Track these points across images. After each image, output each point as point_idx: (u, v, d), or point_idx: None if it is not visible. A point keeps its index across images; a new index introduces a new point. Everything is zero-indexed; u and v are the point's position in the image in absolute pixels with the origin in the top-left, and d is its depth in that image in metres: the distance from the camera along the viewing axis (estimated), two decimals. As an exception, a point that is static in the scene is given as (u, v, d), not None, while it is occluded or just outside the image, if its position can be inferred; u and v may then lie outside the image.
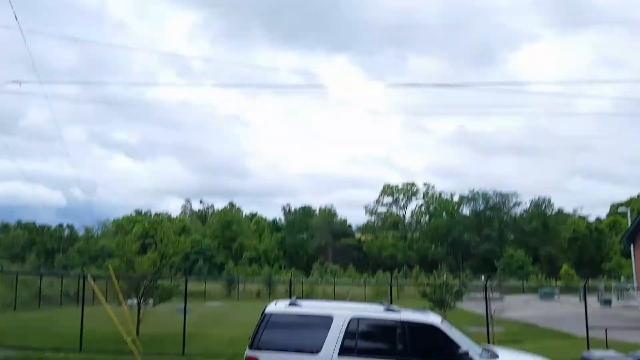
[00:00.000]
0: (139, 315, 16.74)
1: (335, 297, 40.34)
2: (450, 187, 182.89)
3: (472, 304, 28.29)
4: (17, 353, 14.17)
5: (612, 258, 67.64)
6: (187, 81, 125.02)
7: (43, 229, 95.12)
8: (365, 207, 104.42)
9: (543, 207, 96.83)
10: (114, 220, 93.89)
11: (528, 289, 54.16)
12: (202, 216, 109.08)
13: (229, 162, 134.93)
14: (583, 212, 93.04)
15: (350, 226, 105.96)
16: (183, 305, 16.68)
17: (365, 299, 35.72)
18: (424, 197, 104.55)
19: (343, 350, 7.80)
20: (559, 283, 59.65)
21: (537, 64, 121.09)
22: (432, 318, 8.54)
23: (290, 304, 8.41)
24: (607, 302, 35.75)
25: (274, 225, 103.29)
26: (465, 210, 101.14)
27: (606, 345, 14.75)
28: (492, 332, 16.70)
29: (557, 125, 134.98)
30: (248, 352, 7.96)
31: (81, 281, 27.25)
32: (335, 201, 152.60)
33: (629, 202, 76.71)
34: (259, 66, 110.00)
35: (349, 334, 7.93)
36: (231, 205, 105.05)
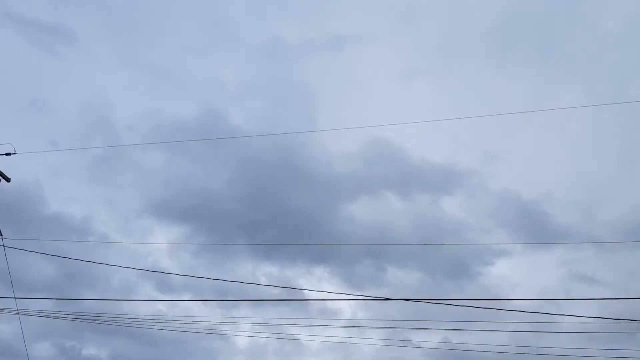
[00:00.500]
0: None
1: None
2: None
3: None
4: None
5: None
6: (165, 294, 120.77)
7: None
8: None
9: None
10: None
11: None
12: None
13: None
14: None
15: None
16: None
17: None
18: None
19: None
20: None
21: (511, 278, 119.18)
22: None
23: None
24: None
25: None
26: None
27: None
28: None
29: (541, 340, 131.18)
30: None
31: None
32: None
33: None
34: (239, 277, 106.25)
35: None
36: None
